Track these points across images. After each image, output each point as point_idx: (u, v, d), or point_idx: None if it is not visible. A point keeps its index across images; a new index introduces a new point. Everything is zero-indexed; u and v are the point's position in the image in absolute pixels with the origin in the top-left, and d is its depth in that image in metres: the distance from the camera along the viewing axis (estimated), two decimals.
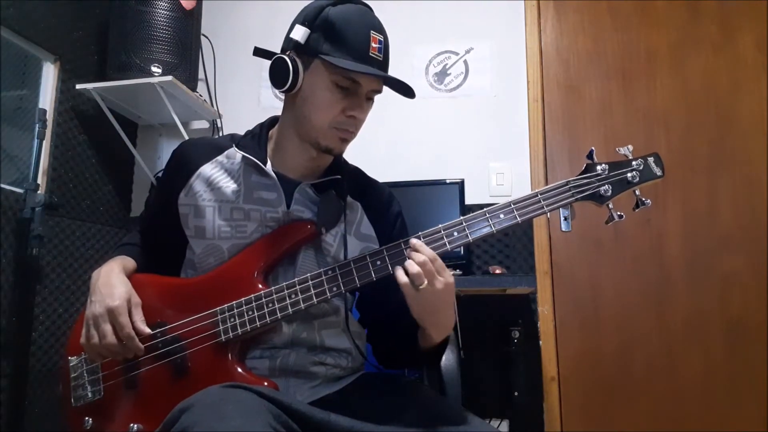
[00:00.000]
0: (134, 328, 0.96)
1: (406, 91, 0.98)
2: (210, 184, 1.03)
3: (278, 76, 0.98)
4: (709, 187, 2.08)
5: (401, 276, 0.88)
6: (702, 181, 2.09)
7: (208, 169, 1.04)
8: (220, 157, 1.06)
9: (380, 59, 0.97)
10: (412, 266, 0.87)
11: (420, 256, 0.88)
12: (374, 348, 1.13)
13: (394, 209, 1.14)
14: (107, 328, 0.95)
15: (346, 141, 1.01)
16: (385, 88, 1.01)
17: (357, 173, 1.16)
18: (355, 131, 1.01)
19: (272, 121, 1.11)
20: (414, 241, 0.91)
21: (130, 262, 1.07)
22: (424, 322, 0.92)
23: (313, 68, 0.97)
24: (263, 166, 1.02)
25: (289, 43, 0.98)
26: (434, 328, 0.94)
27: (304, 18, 0.98)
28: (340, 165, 1.09)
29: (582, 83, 2.25)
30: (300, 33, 0.96)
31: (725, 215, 2.06)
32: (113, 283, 0.99)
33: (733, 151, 2.08)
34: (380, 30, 0.98)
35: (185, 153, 1.08)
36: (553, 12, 2.31)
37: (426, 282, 0.86)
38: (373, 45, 0.96)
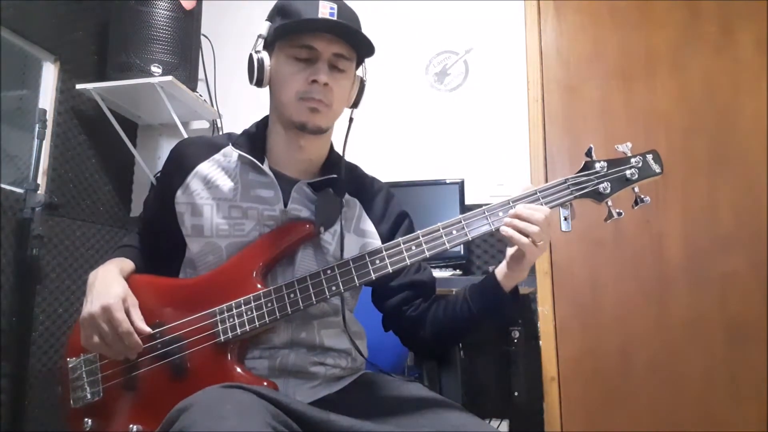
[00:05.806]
0: (133, 326, 0.95)
1: (365, 45, 0.98)
2: (207, 183, 1.03)
3: (250, 73, 1.02)
4: (709, 187, 2.08)
5: (522, 238, 0.90)
6: (702, 181, 2.09)
7: (206, 168, 1.05)
8: (217, 156, 1.06)
9: (332, 24, 0.97)
10: (531, 227, 0.90)
11: (539, 216, 0.91)
12: (414, 348, 1.13)
13: (395, 208, 1.13)
14: (104, 326, 0.94)
15: (316, 111, 0.98)
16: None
17: (354, 171, 1.16)
18: (324, 100, 0.98)
19: (268, 119, 1.11)
20: (518, 208, 0.93)
21: (127, 264, 1.06)
22: (525, 266, 0.96)
23: (275, 54, 1.01)
24: (260, 164, 1.02)
25: (258, 41, 1.03)
26: (527, 271, 0.98)
27: (268, 15, 1.03)
28: (337, 163, 1.08)
29: (582, 83, 2.25)
30: (264, 28, 1.02)
31: (725, 215, 2.05)
32: (109, 283, 0.99)
33: (733, 151, 2.08)
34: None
35: (182, 152, 1.08)
36: (553, 12, 2.31)
37: (546, 237, 0.91)
38: (323, 11, 0.96)
